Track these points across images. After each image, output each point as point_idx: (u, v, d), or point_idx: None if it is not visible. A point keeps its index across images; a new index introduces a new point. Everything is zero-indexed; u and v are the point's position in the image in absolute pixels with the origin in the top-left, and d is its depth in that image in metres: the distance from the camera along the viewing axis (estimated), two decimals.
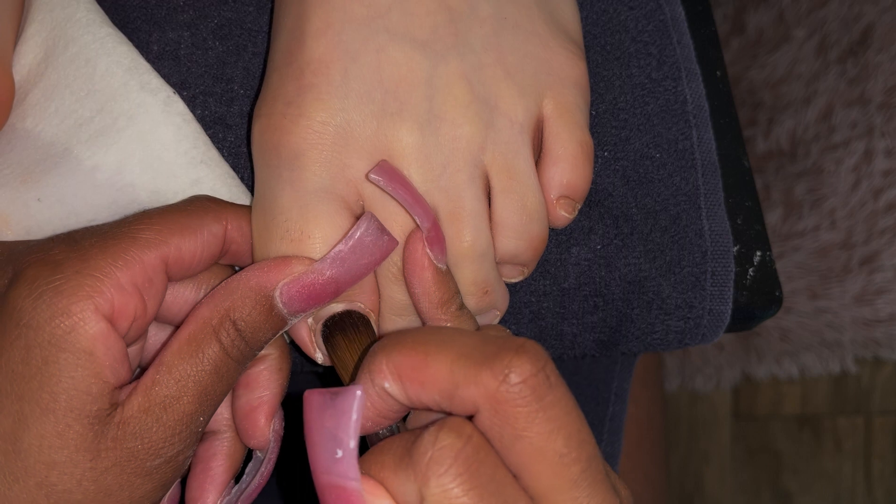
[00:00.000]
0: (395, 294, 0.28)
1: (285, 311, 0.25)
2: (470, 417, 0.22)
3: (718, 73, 0.39)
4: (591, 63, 0.34)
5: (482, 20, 0.28)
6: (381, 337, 0.28)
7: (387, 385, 0.23)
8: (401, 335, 0.23)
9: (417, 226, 0.27)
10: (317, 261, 0.26)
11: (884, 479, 0.98)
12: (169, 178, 0.29)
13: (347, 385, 0.23)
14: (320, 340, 0.28)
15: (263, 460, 0.28)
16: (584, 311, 0.33)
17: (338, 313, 0.27)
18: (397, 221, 0.27)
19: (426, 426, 0.22)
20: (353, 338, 0.27)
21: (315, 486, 0.22)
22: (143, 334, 0.27)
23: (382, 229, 0.26)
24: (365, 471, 0.22)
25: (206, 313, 0.25)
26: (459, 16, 0.28)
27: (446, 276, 0.27)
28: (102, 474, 0.23)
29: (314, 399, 0.22)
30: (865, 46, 0.89)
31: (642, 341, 0.34)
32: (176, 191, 0.29)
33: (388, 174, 0.26)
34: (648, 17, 0.35)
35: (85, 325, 0.23)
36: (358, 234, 0.26)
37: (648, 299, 0.33)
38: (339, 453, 0.22)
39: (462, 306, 0.28)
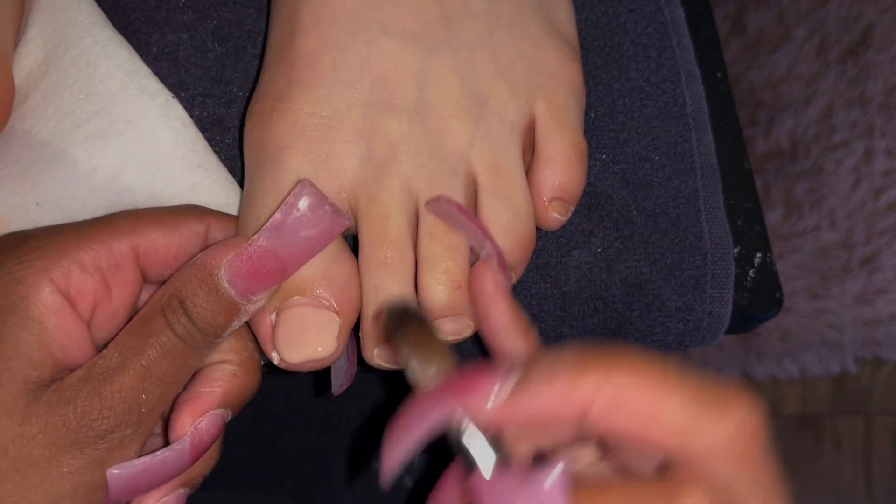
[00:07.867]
0: (388, 284, 0.26)
1: (232, 291, 0.25)
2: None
3: (718, 74, 0.39)
4: (590, 66, 0.34)
5: (475, 17, 0.28)
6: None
7: (595, 417, 0.20)
8: (618, 358, 0.20)
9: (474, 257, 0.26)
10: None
11: (884, 479, 0.98)
12: (167, 181, 0.29)
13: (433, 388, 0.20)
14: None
15: (161, 450, 0.25)
16: (584, 314, 0.33)
17: (393, 307, 0.25)
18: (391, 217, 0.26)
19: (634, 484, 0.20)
20: (422, 330, 0.23)
21: None
22: (114, 326, 0.27)
23: (323, 199, 0.25)
24: None
25: (159, 294, 0.25)
26: (452, 11, 0.28)
27: (517, 304, 0.26)
28: (29, 441, 0.23)
29: (500, 483, 0.19)
30: (865, 46, 0.89)
31: (642, 344, 0.34)
32: (173, 194, 0.29)
33: (449, 203, 0.26)
34: (648, 19, 0.35)
35: (38, 294, 0.23)
36: (291, 200, 0.24)
37: (648, 302, 0.33)
38: None
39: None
